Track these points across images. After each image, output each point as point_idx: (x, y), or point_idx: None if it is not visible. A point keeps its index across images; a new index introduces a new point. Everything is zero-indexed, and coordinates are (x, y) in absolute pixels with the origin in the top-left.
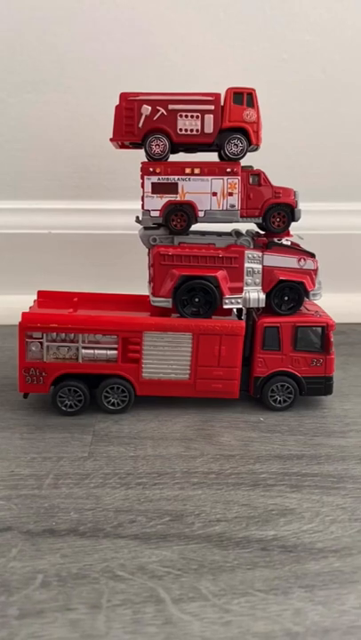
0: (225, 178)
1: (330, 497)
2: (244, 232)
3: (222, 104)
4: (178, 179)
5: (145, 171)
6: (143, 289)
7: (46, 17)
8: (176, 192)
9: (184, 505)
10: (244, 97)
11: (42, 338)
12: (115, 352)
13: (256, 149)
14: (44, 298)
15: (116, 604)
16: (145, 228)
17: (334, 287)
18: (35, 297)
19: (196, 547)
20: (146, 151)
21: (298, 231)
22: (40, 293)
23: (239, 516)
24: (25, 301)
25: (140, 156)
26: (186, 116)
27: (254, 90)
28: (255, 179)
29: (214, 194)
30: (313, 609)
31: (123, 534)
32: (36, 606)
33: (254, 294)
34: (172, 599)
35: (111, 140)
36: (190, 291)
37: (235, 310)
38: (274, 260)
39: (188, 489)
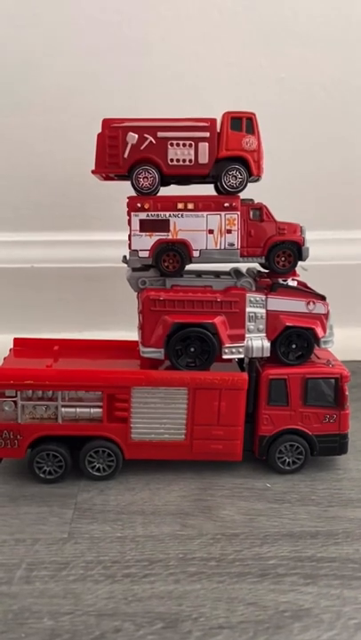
0: (222, 213)
1: (352, 590)
2: (244, 272)
3: (219, 130)
4: (169, 215)
5: (132, 206)
6: (133, 330)
7: (25, 35)
8: (167, 230)
9: (179, 605)
10: (243, 122)
11: (16, 396)
12: (99, 410)
13: (257, 180)
14: (21, 346)
15: None
16: (133, 270)
17: (340, 322)
18: (13, 336)
19: None
20: (133, 184)
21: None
22: (16, 341)
23: (245, 620)
24: (2, 342)
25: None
26: (177, 145)
27: (254, 114)
28: (256, 213)
29: (211, 231)
30: None
31: None
32: None
33: (258, 342)
34: None
35: (93, 172)
36: (185, 339)
37: (236, 360)
38: (279, 303)
39: (185, 582)
